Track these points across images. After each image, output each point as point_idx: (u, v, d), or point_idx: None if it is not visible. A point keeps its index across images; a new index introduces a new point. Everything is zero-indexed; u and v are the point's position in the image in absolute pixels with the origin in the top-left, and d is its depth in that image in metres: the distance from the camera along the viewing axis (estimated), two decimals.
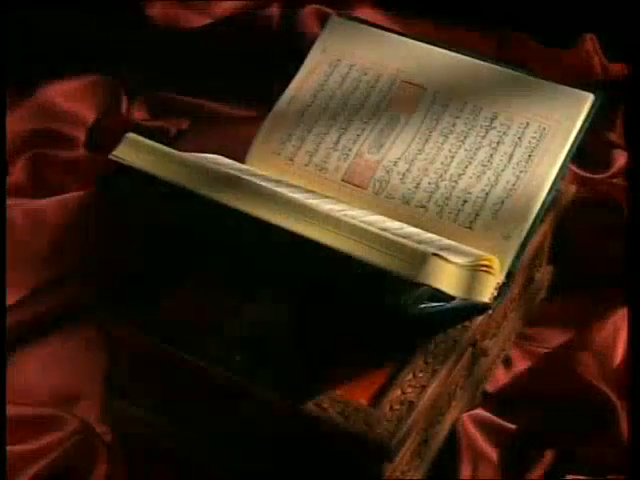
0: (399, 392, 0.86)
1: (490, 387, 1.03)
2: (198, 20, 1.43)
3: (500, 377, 1.04)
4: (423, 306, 0.79)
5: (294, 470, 0.89)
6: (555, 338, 1.08)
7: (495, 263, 0.91)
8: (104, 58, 1.35)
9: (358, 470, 0.86)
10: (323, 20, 1.40)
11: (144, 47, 1.37)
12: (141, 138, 0.87)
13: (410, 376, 0.87)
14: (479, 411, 0.98)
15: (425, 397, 0.86)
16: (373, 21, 1.43)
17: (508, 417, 0.99)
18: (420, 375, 0.87)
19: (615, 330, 1.03)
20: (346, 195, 0.98)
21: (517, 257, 0.94)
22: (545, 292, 1.13)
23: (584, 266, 1.13)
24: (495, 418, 0.97)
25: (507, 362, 1.06)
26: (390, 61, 1.03)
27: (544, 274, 1.12)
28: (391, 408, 0.85)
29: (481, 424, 0.97)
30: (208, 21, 1.43)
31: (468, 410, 0.99)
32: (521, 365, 1.05)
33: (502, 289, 0.93)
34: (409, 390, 0.86)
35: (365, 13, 1.48)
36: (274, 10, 1.41)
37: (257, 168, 1.00)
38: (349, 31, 1.06)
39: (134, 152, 0.86)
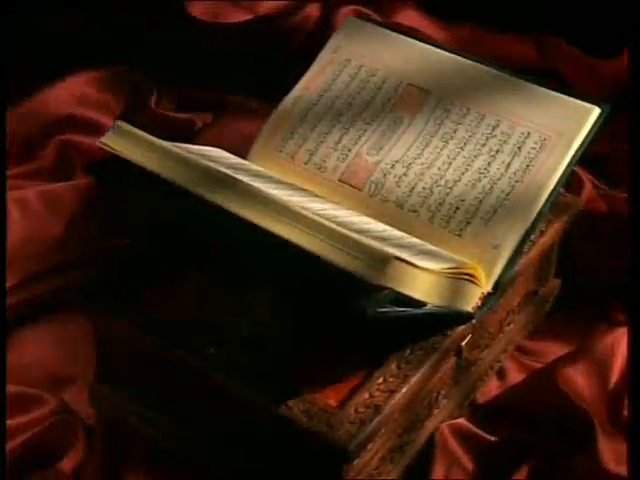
0: (367, 395, 0.85)
1: (481, 398, 1.02)
2: (238, 17, 1.44)
3: (492, 389, 1.02)
4: (386, 309, 0.78)
5: (268, 468, 0.89)
6: (554, 353, 1.05)
7: (479, 272, 0.90)
8: (137, 51, 1.36)
9: (321, 471, 0.85)
10: None
11: (180, 41, 1.38)
12: (131, 127, 0.88)
13: (380, 380, 0.86)
14: (461, 421, 0.97)
15: (393, 402, 0.85)
16: (414, 24, 1.46)
17: (491, 429, 0.97)
18: (390, 380, 0.86)
19: (614, 347, 1.01)
20: (341, 195, 0.98)
21: (507, 268, 0.93)
22: (551, 305, 1.11)
23: (592, 280, 1.11)
24: (475, 429, 0.96)
25: (501, 374, 1.04)
26: (399, 63, 1.03)
27: (550, 287, 1.10)
28: (356, 411, 0.84)
29: (460, 434, 0.95)
30: (247, 18, 1.43)
31: (452, 419, 0.97)
32: (515, 378, 1.03)
33: (488, 299, 0.92)
34: (377, 394, 0.85)
35: (407, 16, 1.47)
36: (313, 10, 1.41)
37: (258, 164, 1.01)
38: (363, 32, 1.06)
39: (123, 140, 0.87)
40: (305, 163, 1.01)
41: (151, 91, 1.32)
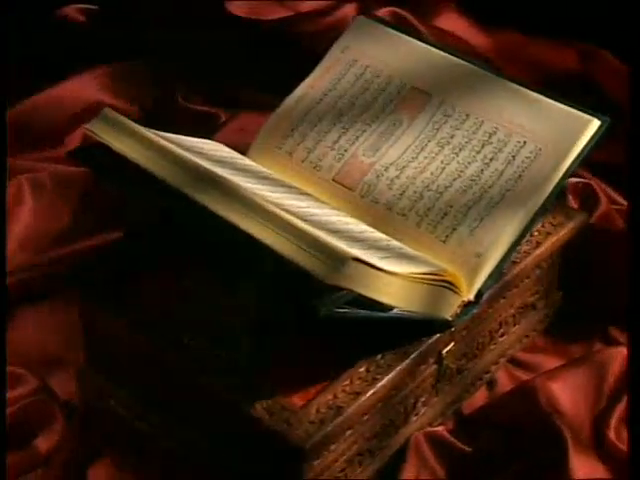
0: (331, 396, 0.85)
1: (467, 408, 1.00)
2: (278, 15, 1.44)
3: (479, 400, 1.01)
4: (342, 310, 0.78)
5: (236, 464, 0.89)
6: (549, 368, 1.03)
7: (458, 280, 0.89)
8: (168, 46, 1.38)
9: (283, 470, 0.85)
10: (396, 23, 1.40)
11: (212, 37, 1.39)
12: (117, 115, 0.89)
13: (347, 382, 0.86)
14: (438, 429, 0.95)
15: (357, 404, 0.84)
16: (453, 28, 1.44)
17: (468, 440, 0.96)
18: (357, 382, 0.86)
19: (606, 366, 0.99)
20: (334, 195, 0.98)
21: (490, 277, 0.92)
22: (551, 320, 1.09)
23: (598, 298, 1.09)
24: (451, 438, 0.94)
25: (491, 386, 1.02)
26: (404, 65, 1.02)
27: (551, 302, 1.08)
28: (317, 411, 0.84)
29: (435, 441, 0.94)
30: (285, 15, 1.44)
31: (432, 427, 0.96)
32: (504, 390, 1.01)
33: (468, 308, 0.91)
34: (341, 396, 0.85)
35: (447, 18, 1.46)
36: (350, 10, 1.41)
37: (257, 160, 1.01)
38: (372, 32, 1.05)
39: (108, 128, 0.88)
40: (302, 161, 1.00)
41: (179, 85, 1.33)
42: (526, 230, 0.93)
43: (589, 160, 0.97)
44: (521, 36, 1.45)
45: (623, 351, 1.01)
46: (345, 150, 0.99)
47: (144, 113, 1.32)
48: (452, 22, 1.46)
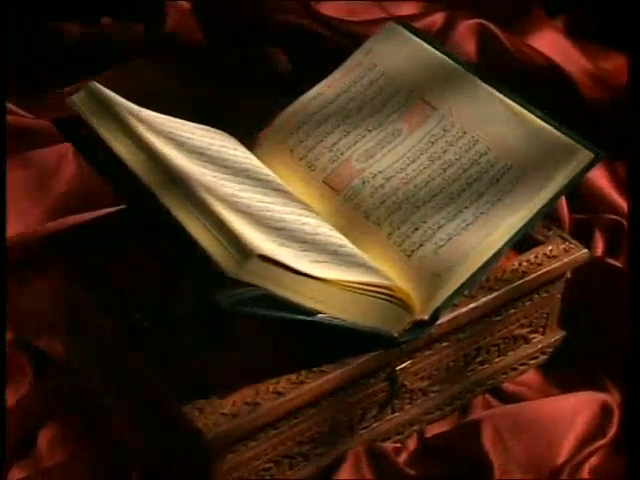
0: (253, 393, 0.85)
1: (430, 431, 0.97)
2: (371, 15, 1.44)
3: (447, 425, 0.98)
4: (243, 305, 0.77)
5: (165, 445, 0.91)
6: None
7: (408, 297, 0.87)
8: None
9: (196, 458, 0.86)
10: (481, 35, 1.37)
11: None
12: (103, 92, 0.91)
13: (274, 382, 0.85)
14: (382, 445, 0.93)
15: (276, 404, 0.84)
16: (551, 47, 1.39)
17: (419, 463, 0.93)
18: (283, 384, 0.85)
19: (567, 417, 0.94)
20: (319, 196, 0.97)
21: (449, 300, 0.89)
22: (550, 357, 1.04)
23: (601, 340, 1.04)
24: (393, 457, 0.92)
25: (464, 412, 0.99)
26: (417, 75, 1.00)
27: (550, 338, 1.03)
28: (233, 404, 0.84)
29: (375, 456, 0.92)
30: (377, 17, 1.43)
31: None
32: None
33: (421, 328, 0.89)
34: (262, 394, 0.84)
35: (544, 37, 1.41)
36: (437, 18, 1.39)
37: (261, 152, 1.01)
38: (397, 39, 1.04)
39: (91, 103, 0.90)
40: (300, 159, 1.00)
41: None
42: (496, 256, 0.89)
43: None
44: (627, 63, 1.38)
45: (603, 398, 0.96)
46: (341, 153, 0.98)
47: None
48: (550, 41, 1.41)
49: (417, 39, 1.03)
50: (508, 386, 1.02)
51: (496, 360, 1.00)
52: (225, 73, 1.36)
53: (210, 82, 1.35)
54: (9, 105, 1.25)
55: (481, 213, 0.90)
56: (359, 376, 0.89)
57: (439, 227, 0.91)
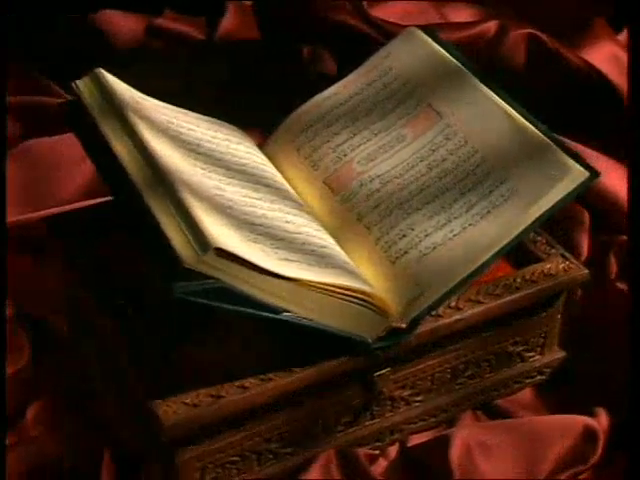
0: (219, 386, 0.85)
1: (413, 442, 0.96)
2: (426, 20, 1.43)
3: (425, 437, 0.97)
4: (196, 296, 0.77)
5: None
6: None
7: (383, 303, 0.86)
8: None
9: (155, 442, 0.87)
10: (531, 45, 1.34)
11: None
12: (108, 78, 0.92)
13: (241, 377, 0.86)
14: (357, 450, 0.93)
15: (239, 398, 0.84)
16: (606, 62, 1.36)
17: (393, 472, 0.93)
18: (251, 379, 0.85)
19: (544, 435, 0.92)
20: (318, 196, 0.97)
21: (428, 309, 0.88)
22: (549, 377, 1.02)
23: (598, 360, 1.01)
24: (365, 464, 0.91)
25: (449, 424, 0.98)
26: (429, 82, 0.99)
27: (549, 358, 1.01)
28: (197, 395, 0.84)
29: (346, 460, 0.91)
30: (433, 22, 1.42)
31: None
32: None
33: (399, 335, 0.88)
34: (227, 387, 0.85)
35: (600, 50, 1.38)
36: (491, 26, 1.37)
37: (271, 149, 1.02)
38: (415, 44, 1.03)
39: (94, 89, 0.91)
40: (305, 158, 1.00)
41: None
42: (478, 270, 0.88)
43: None
44: None
45: (590, 422, 0.94)
46: (344, 155, 0.98)
47: None
48: (608, 55, 1.37)
49: (435, 45, 1.01)
50: (501, 403, 1.00)
51: (487, 375, 0.98)
52: (270, 72, 1.37)
53: (244, 80, 1.36)
54: (53, 86, 1.29)
55: (469, 225, 0.89)
56: (330, 379, 0.88)
57: (426, 235, 0.90)
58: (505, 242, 0.88)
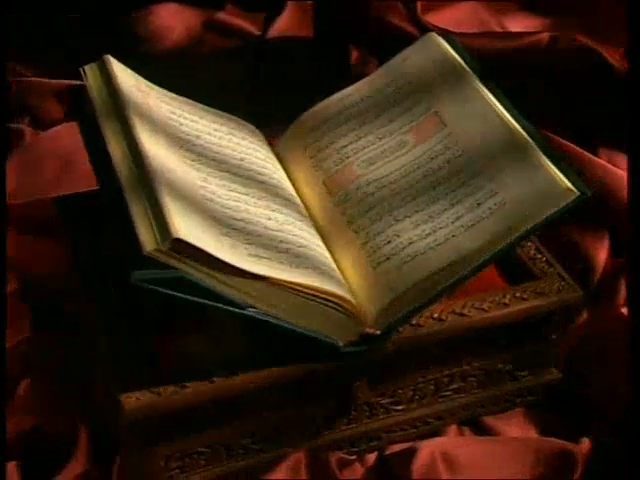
0: (179, 382, 0.85)
1: (390, 450, 0.96)
2: (482, 29, 1.41)
3: (405, 446, 0.95)
4: (152, 284, 0.78)
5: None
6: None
7: (355, 309, 0.86)
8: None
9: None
10: (582, 56, 1.31)
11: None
12: (116, 66, 0.93)
13: (210, 370, 0.86)
14: (330, 454, 0.92)
15: (204, 389, 0.85)
16: None
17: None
18: (218, 373, 0.86)
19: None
20: (315, 196, 0.97)
21: (404, 318, 0.87)
22: (541, 397, 0.99)
23: (594, 384, 0.99)
24: (336, 470, 0.91)
25: (433, 435, 0.96)
26: (440, 89, 0.98)
27: (542, 378, 0.99)
28: (162, 384, 0.85)
29: (315, 465, 0.91)
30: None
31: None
32: None
33: (369, 341, 0.87)
34: (189, 384, 0.85)
35: None
36: (544, 36, 1.34)
37: (282, 146, 1.02)
38: (432, 50, 1.01)
39: (99, 75, 0.93)
40: (310, 158, 1.00)
41: None
42: (456, 283, 0.86)
43: None
44: None
45: (569, 447, 0.92)
46: (347, 157, 0.98)
47: None
48: None
49: (450, 52, 1.00)
50: (489, 420, 0.98)
51: (474, 391, 0.97)
52: (312, 72, 1.37)
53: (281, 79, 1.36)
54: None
55: (453, 236, 0.87)
56: (299, 380, 0.88)
57: (410, 243, 0.89)
58: (485, 258, 0.86)
